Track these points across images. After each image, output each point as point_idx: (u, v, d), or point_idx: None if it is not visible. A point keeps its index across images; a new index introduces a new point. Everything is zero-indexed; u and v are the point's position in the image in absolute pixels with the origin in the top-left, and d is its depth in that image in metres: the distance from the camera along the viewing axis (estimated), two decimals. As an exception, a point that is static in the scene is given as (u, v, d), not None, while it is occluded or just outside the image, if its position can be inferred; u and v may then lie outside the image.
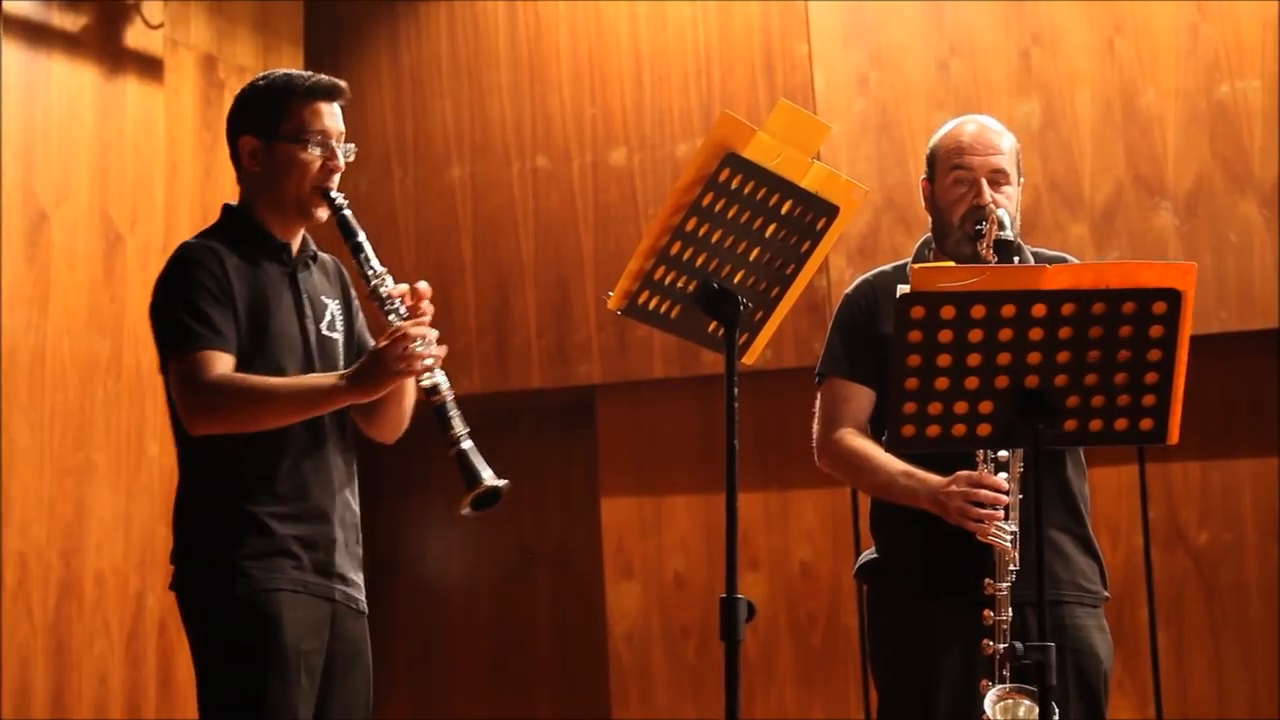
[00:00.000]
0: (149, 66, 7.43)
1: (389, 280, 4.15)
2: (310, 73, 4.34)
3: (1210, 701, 6.89)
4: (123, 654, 7.02)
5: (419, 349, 4.00)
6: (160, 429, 7.17)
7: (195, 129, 7.60)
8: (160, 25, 7.45)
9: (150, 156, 7.40)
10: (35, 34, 6.99)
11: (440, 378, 4.05)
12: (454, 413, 4.05)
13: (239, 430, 4.05)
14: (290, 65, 8.10)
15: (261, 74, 4.34)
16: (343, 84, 4.31)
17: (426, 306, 4.14)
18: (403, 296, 4.14)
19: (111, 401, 7.10)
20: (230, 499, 4.08)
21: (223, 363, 4.05)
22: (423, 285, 4.17)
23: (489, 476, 3.99)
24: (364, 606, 4.27)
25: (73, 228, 7.06)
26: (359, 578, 4.26)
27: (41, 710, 6.67)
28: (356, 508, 4.30)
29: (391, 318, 4.09)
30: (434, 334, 4.05)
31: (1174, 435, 3.85)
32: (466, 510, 4.01)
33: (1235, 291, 6.86)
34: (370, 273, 4.15)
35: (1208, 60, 7.00)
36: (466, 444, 4.02)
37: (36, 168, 6.95)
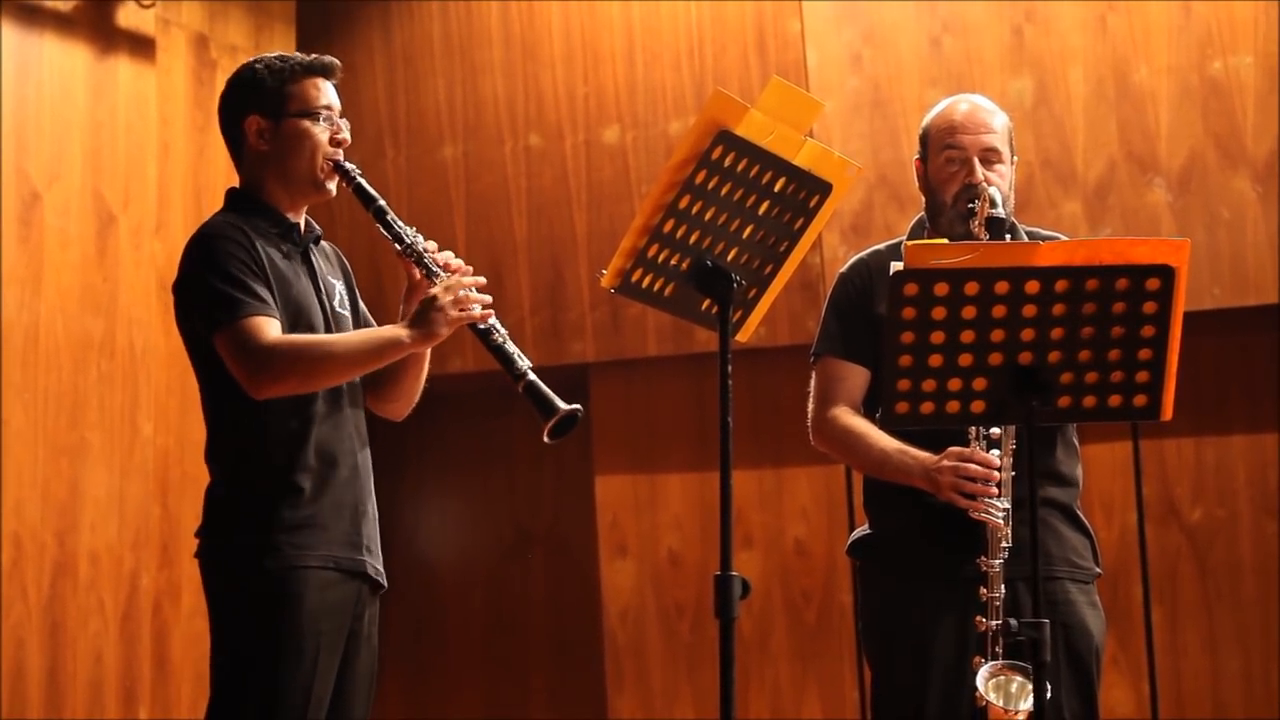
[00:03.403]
0: (141, 46, 7.42)
1: (421, 238, 4.24)
2: (301, 53, 4.38)
3: (1204, 677, 6.90)
4: (117, 633, 7.03)
5: (473, 295, 4.10)
6: (153, 409, 7.18)
7: (188, 108, 7.59)
8: (152, 5, 7.44)
9: (143, 136, 7.40)
10: (27, 14, 6.98)
11: (495, 320, 4.14)
12: (514, 349, 4.12)
13: (305, 389, 4.08)
14: (282, 45, 8.12)
15: (254, 58, 4.37)
16: (338, 62, 4.36)
17: (456, 262, 4.24)
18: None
19: (105, 381, 7.10)
20: (259, 471, 4.10)
21: (274, 326, 4.07)
22: (432, 244, 4.26)
23: (562, 404, 4.04)
24: (385, 580, 4.28)
25: (65, 208, 7.05)
26: (379, 547, 4.28)
27: (36, 689, 6.68)
28: (370, 466, 4.31)
29: (436, 270, 4.18)
30: (481, 280, 4.17)
31: (1167, 411, 3.85)
32: (548, 439, 4.05)
33: (1228, 267, 6.86)
34: (400, 230, 4.22)
35: (1200, 36, 6.99)
36: (532, 376, 4.08)
37: (29, 148, 6.95)
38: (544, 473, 8.25)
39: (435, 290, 4.10)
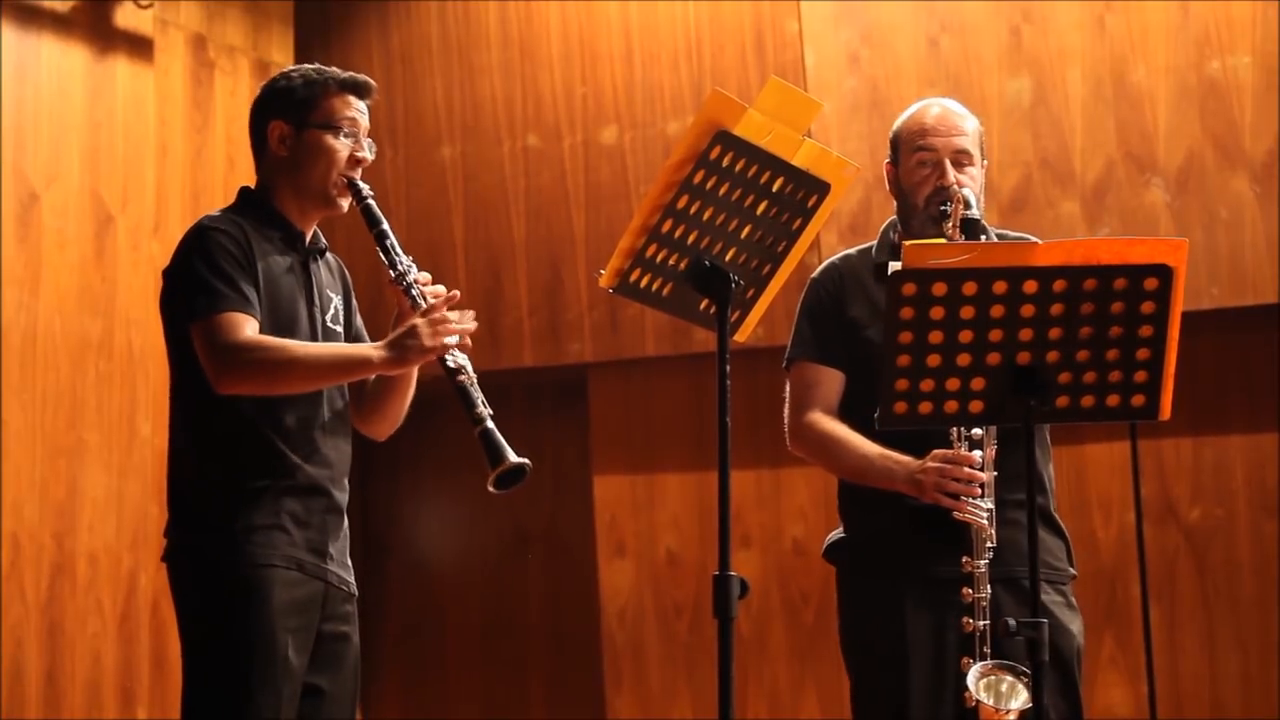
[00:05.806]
0: (139, 47, 7.42)
1: (415, 269, 4.25)
2: (338, 69, 4.42)
3: (1202, 677, 6.90)
4: (115, 633, 7.03)
5: (456, 329, 4.12)
6: (152, 409, 7.18)
7: (185, 109, 7.59)
8: (150, 5, 7.44)
9: (140, 137, 7.39)
10: (26, 14, 6.98)
11: (464, 359, 4.16)
12: (477, 393, 4.14)
13: (267, 391, 4.11)
14: (280, 45, 8.12)
15: (292, 67, 4.43)
16: (373, 83, 4.40)
17: (440, 290, 4.24)
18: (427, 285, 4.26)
19: (103, 381, 7.10)
20: (229, 472, 4.12)
21: (250, 325, 4.09)
22: (426, 275, 4.28)
23: (512, 455, 4.09)
24: (355, 589, 4.31)
25: (63, 208, 7.05)
26: (349, 561, 4.31)
27: (35, 690, 6.68)
28: (347, 496, 4.33)
29: (421, 302, 4.19)
30: (469, 314, 4.19)
31: (1166, 411, 3.85)
32: (492, 488, 4.10)
33: (1226, 267, 6.86)
34: (396, 259, 4.25)
35: (1198, 36, 6.99)
36: (490, 424, 4.11)
37: (27, 148, 6.95)
38: (542, 473, 8.21)
39: (417, 319, 4.12)
